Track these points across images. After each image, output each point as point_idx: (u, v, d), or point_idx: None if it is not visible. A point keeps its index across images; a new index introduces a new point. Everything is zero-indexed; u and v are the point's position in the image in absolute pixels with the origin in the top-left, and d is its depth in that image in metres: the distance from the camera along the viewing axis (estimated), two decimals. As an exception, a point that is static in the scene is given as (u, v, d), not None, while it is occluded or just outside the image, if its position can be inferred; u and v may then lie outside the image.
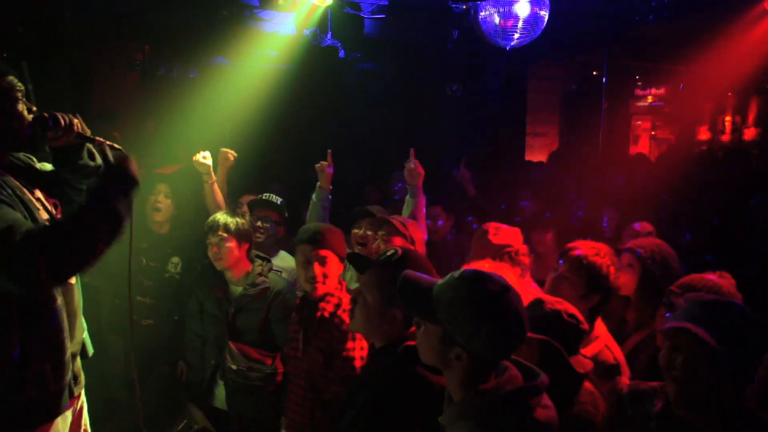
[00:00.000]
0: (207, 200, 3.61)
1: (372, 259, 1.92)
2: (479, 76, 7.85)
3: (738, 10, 6.20)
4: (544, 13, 4.47)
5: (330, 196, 3.48)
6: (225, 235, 3.03)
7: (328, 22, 5.47)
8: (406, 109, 7.66)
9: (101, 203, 1.89)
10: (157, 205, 3.71)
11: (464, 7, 5.22)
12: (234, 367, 3.00)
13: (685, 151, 8.85)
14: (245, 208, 3.73)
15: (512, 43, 4.59)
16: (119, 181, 1.95)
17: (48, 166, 2.18)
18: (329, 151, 3.49)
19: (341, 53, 5.77)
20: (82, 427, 2.24)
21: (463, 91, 7.08)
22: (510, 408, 1.45)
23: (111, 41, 5.74)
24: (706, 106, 10.11)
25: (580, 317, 1.97)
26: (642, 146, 11.52)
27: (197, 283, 3.34)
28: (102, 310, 3.59)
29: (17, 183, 1.96)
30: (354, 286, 3.06)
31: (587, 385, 1.95)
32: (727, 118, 9.89)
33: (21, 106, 1.96)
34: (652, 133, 11.69)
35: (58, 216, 2.12)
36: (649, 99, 11.12)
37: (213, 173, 3.59)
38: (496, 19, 4.51)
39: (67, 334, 1.99)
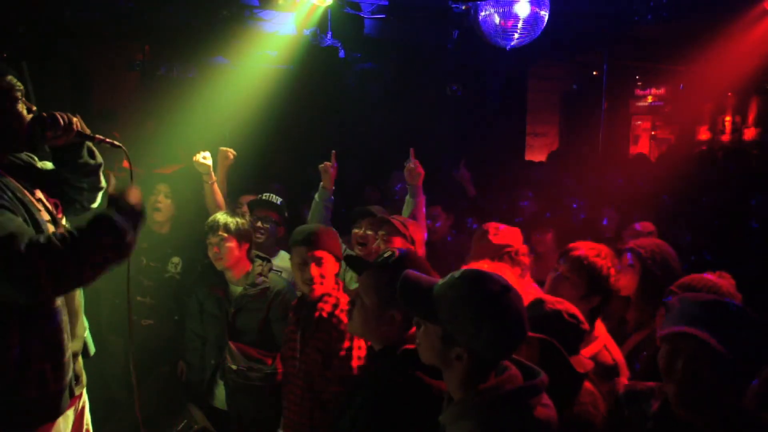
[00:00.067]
0: (207, 200, 3.61)
1: (369, 261, 1.92)
2: (479, 76, 7.85)
3: (738, 10, 6.19)
4: (544, 13, 4.47)
5: (332, 197, 3.47)
6: (225, 235, 3.03)
7: (328, 22, 5.47)
8: (406, 109, 7.65)
9: (108, 230, 1.88)
10: (157, 205, 3.71)
11: (464, 7, 5.22)
12: (234, 367, 3.00)
13: (685, 151, 8.85)
14: (245, 208, 3.73)
15: (512, 43, 4.59)
16: (126, 215, 1.92)
17: (49, 165, 2.18)
18: (333, 151, 3.48)
19: (341, 53, 5.77)
20: (84, 427, 2.24)
21: (463, 91, 7.08)
22: (510, 407, 1.45)
23: (111, 41, 5.74)
24: (706, 106, 10.11)
25: (581, 317, 1.97)
26: (642, 146, 11.52)
27: (197, 283, 3.34)
28: (102, 310, 3.59)
29: (18, 185, 1.96)
30: (354, 286, 3.06)
31: (588, 385, 1.95)
32: (727, 118, 9.89)
33: (21, 106, 1.96)
34: (652, 133, 11.69)
35: (59, 216, 2.12)
36: (649, 99, 11.12)
37: (213, 173, 3.59)
38: (496, 19, 4.51)
39: (66, 334, 1.99)
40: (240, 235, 3.07)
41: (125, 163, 2.21)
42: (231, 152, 3.83)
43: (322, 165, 3.46)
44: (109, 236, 1.86)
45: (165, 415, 3.21)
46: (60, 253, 1.77)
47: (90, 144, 2.14)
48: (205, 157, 3.53)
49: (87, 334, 2.25)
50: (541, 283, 2.82)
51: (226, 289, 3.15)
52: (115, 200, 1.95)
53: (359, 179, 5.86)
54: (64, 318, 2.00)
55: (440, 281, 1.55)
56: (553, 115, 10.22)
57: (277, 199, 3.67)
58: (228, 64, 6.23)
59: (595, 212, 4.85)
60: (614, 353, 2.30)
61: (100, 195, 2.30)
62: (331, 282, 2.59)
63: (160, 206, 3.71)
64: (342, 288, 2.63)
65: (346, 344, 2.38)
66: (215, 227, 3.05)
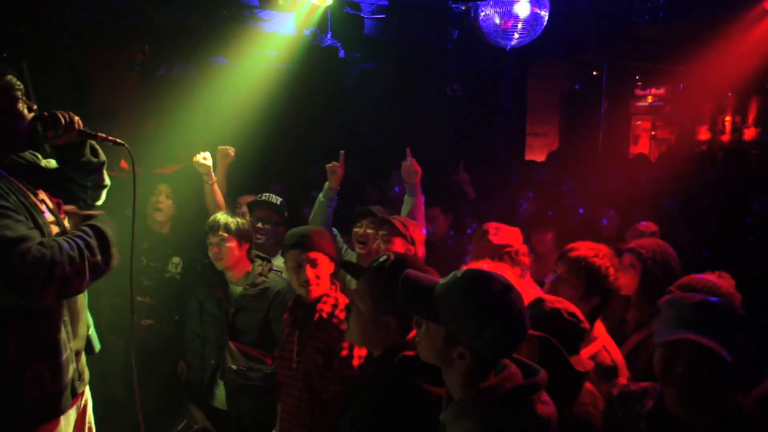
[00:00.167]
0: (207, 200, 3.60)
1: (364, 267, 1.91)
2: (479, 76, 7.85)
3: (738, 10, 6.20)
4: (544, 13, 4.47)
5: (336, 198, 3.46)
6: (225, 234, 3.03)
7: (328, 22, 5.47)
8: (406, 109, 7.66)
9: (101, 237, 2.00)
10: (158, 205, 3.71)
11: (464, 7, 5.23)
12: (234, 367, 3.00)
13: (685, 151, 8.85)
14: (244, 209, 3.73)
15: (512, 43, 4.59)
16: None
17: (54, 163, 2.18)
18: (342, 152, 3.47)
19: (341, 53, 5.77)
20: (86, 425, 2.24)
21: (463, 91, 7.09)
22: (511, 405, 1.46)
23: (111, 41, 5.74)
24: (706, 106, 10.12)
25: (581, 316, 1.97)
26: (642, 146, 11.53)
27: (197, 283, 3.34)
28: (102, 310, 3.59)
29: (21, 186, 1.96)
30: (354, 286, 3.06)
31: (588, 385, 1.95)
32: (727, 118, 9.90)
33: (21, 105, 1.96)
34: (652, 133, 11.70)
35: (62, 215, 2.13)
36: (649, 99, 11.13)
37: (213, 174, 3.59)
38: (496, 19, 4.51)
39: (63, 334, 1.99)
40: (240, 235, 3.07)
41: (123, 163, 2.23)
42: (231, 150, 3.82)
43: (330, 165, 3.43)
44: (102, 244, 1.94)
45: (165, 415, 3.21)
46: (66, 259, 1.79)
47: (93, 142, 2.15)
48: (205, 158, 3.53)
49: (92, 331, 2.26)
50: (541, 283, 2.83)
51: (226, 289, 3.15)
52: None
53: (359, 179, 5.86)
54: (64, 318, 2.00)
55: (441, 281, 1.55)
56: (553, 115, 10.23)
57: (277, 200, 3.66)
58: (228, 64, 6.23)
59: (595, 212, 4.85)
60: (613, 354, 2.30)
61: (104, 192, 2.31)
62: (327, 282, 2.59)
63: (161, 206, 3.71)
64: (339, 288, 2.63)
65: (347, 344, 2.38)
66: (215, 227, 3.05)
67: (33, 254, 1.77)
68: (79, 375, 2.09)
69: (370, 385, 1.82)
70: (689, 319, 1.66)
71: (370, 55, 6.95)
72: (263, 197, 3.66)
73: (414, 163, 3.40)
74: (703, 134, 10.30)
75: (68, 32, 4.85)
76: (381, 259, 1.86)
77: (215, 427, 3.07)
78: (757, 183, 5.27)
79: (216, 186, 3.60)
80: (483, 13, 4.60)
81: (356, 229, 3.43)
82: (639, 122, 11.62)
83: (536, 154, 9.43)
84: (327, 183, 3.41)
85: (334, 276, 2.66)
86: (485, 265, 2.38)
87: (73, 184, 2.17)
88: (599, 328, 2.36)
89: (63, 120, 1.99)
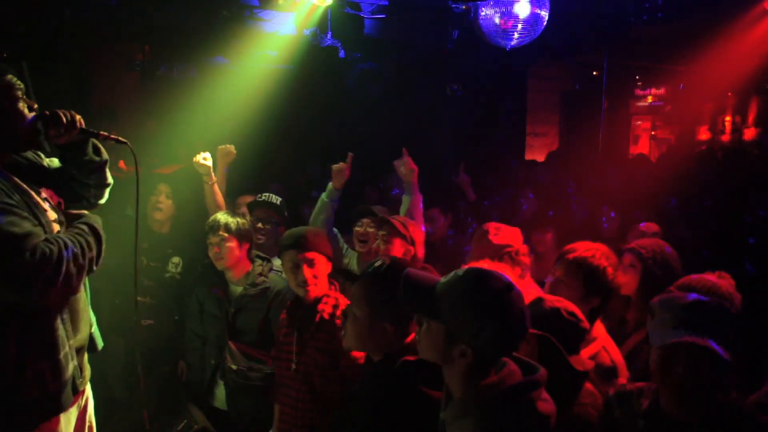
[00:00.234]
0: (207, 201, 3.61)
1: (357, 274, 1.91)
2: (479, 76, 7.85)
3: (738, 10, 6.20)
4: (544, 13, 4.47)
5: (338, 198, 3.45)
6: (226, 234, 3.03)
7: (328, 22, 5.47)
8: (406, 109, 7.65)
9: (96, 234, 2.03)
10: (158, 205, 3.71)
11: (464, 7, 5.23)
12: (234, 367, 3.00)
13: (685, 151, 8.85)
14: (243, 209, 3.73)
15: (512, 43, 4.59)
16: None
17: (56, 162, 2.19)
18: (350, 154, 3.46)
19: (341, 53, 5.76)
20: (87, 423, 2.24)
21: (463, 91, 7.08)
22: (512, 402, 1.47)
23: (111, 41, 5.74)
24: (706, 106, 10.12)
25: (581, 316, 1.97)
26: (642, 146, 11.53)
27: (197, 282, 3.34)
28: (102, 310, 3.59)
29: (23, 186, 1.97)
30: None
31: (588, 386, 1.96)
32: (727, 118, 9.90)
33: (22, 105, 1.97)
34: (652, 133, 11.70)
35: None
36: (649, 99, 11.13)
37: (213, 174, 3.59)
38: (496, 19, 4.51)
39: (62, 332, 1.99)
40: (240, 235, 3.07)
41: (121, 164, 2.24)
42: (232, 148, 3.83)
43: (338, 166, 3.41)
44: (97, 241, 1.97)
45: (165, 415, 3.21)
46: (71, 257, 1.80)
47: (95, 141, 2.15)
48: (205, 158, 3.53)
49: (95, 329, 2.26)
50: (541, 284, 2.83)
51: (226, 289, 3.15)
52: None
53: (359, 179, 5.85)
54: (64, 317, 2.01)
55: (442, 279, 1.56)
56: (553, 115, 10.22)
57: (277, 199, 3.67)
58: (228, 64, 6.23)
59: (595, 212, 4.85)
60: (613, 354, 2.30)
61: (107, 191, 2.31)
62: (325, 282, 2.59)
63: (161, 206, 3.71)
64: (338, 288, 2.63)
65: None
66: (216, 227, 3.05)
67: (41, 250, 1.78)
68: (80, 372, 2.10)
69: (371, 390, 1.82)
70: (685, 320, 1.66)
71: (370, 55, 6.94)
72: (263, 197, 3.66)
73: (410, 161, 3.40)
74: (703, 134, 10.30)
75: (68, 32, 4.85)
76: (376, 264, 1.86)
77: (215, 427, 3.07)
78: (757, 183, 5.27)
79: (216, 186, 3.60)
80: (483, 13, 4.60)
81: (357, 228, 3.43)
82: (639, 122, 11.62)
83: (536, 154, 9.42)
84: (331, 183, 3.40)
85: (333, 276, 2.66)
86: (485, 265, 2.38)
87: (76, 183, 2.18)
88: (599, 328, 2.36)
89: (64, 119, 2.00)
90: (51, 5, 4.58)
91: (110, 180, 2.29)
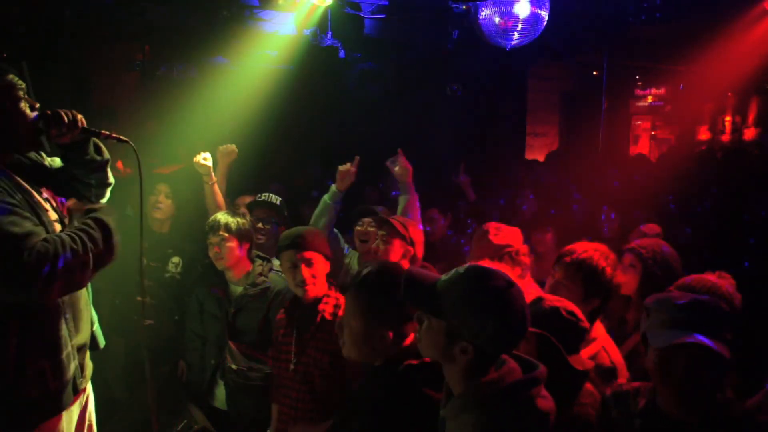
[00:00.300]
0: (207, 201, 3.60)
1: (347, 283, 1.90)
2: (479, 76, 7.85)
3: (738, 10, 6.20)
4: (544, 13, 4.47)
5: (340, 200, 3.44)
6: (226, 234, 3.03)
7: (328, 22, 5.46)
8: (406, 109, 7.65)
9: (104, 230, 1.99)
10: (157, 205, 3.71)
11: (464, 7, 5.22)
12: (234, 366, 3.00)
13: (685, 151, 8.85)
14: (243, 210, 3.73)
15: (512, 43, 4.59)
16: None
17: (58, 162, 2.19)
18: (357, 157, 3.45)
19: (341, 53, 5.76)
20: (87, 421, 2.24)
21: (463, 91, 7.08)
22: (512, 399, 1.48)
23: (111, 41, 5.73)
24: (706, 106, 10.12)
25: (580, 315, 1.97)
26: (642, 146, 11.54)
27: (197, 282, 3.34)
28: (102, 310, 3.59)
29: (25, 185, 1.97)
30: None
31: (588, 386, 1.96)
32: (727, 118, 9.90)
33: (24, 105, 1.97)
34: (652, 133, 11.71)
35: (65, 213, 2.14)
36: (649, 99, 11.14)
37: (213, 174, 3.59)
38: (496, 19, 4.51)
39: (65, 331, 2.00)
40: (241, 235, 3.07)
41: (119, 164, 2.24)
42: (233, 148, 3.82)
43: (345, 168, 3.39)
44: (107, 238, 1.94)
45: (165, 415, 3.21)
46: (71, 255, 1.80)
47: (97, 140, 2.16)
48: (205, 158, 3.53)
49: (96, 327, 2.27)
50: (541, 284, 2.82)
51: (226, 289, 3.15)
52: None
53: (359, 179, 5.84)
54: (66, 316, 2.01)
55: (443, 277, 1.57)
56: (553, 115, 10.22)
57: (277, 199, 3.66)
58: (228, 64, 6.22)
59: (595, 212, 4.85)
60: (612, 355, 2.30)
61: (108, 190, 2.32)
62: (324, 281, 2.58)
63: (161, 206, 3.71)
64: (338, 287, 2.63)
65: None
66: (216, 227, 3.05)
67: (38, 250, 1.78)
68: (81, 371, 2.10)
69: (373, 392, 1.81)
70: (684, 320, 1.66)
71: (370, 55, 6.94)
72: (263, 197, 3.66)
73: (403, 160, 3.40)
74: (703, 134, 10.31)
75: (68, 32, 4.85)
76: (363, 273, 1.85)
77: (215, 427, 3.07)
78: (757, 183, 5.27)
79: (216, 186, 3.60)
80: (483, 13, 4.60)
81: (358, 228, 3.43)
82: (639, 122, 11.63)
83: (536, 154, 9.42)
84: (334, 185, 3.38)
85: (332, 276, 2.66)
86: (485, 264, 2.38)
87: (78, 183, 2.19)
88: (599, 328, 2.36)
89: (66, 118, 2.00)
90: (51, 5, 4.58)
91: (112, 179, 2.30)
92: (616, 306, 2.65)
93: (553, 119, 10.22)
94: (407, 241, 2.97)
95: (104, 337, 2.35)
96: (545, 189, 5.81)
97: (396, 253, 2.92)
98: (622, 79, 9.67)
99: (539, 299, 2.00)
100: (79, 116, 2.06)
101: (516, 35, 4.51)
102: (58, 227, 2.01)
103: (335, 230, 3.47)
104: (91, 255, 1.91)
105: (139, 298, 3.53)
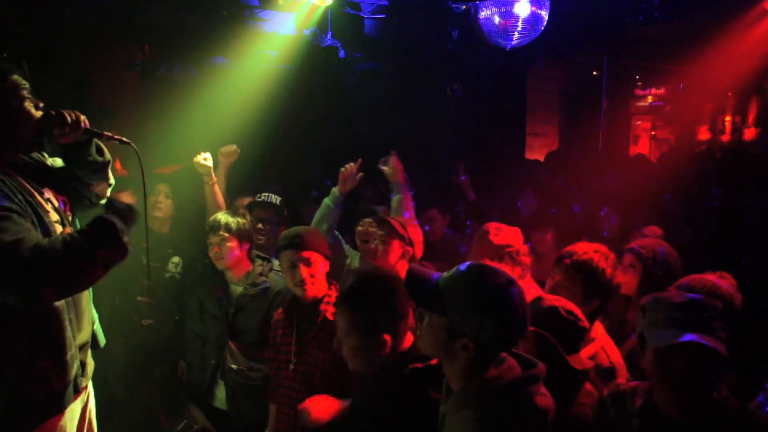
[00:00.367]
0: (207, 201, 3.61)
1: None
2: (479, 76, 7.84)
3: (738, 10, 6.19)
4: (544, 13, 4.47)
5: (341, 203, 3.43)
6: (226, 234, 3.03)
7: (328, 22, 5.46)
8: (406, 109, 7.64)
9: (109, 232, 1.93)
10: (157, 205, 3.71)
11: (464, 7, 5.22)
12: (234, 366, 3.00)
13: (685, 151, 8.85)
14: (243, 210, 3.72)
15: (512, 43, 4.59)
16: (123, 215, 1.99)
17: (59, 162, 2.20)
18: (359, 159, 3.45)
19: (341, 53, 5.76)
20: (87, 418, 2.25)
21: (463, 91, 7.08)
22: (511, 395, 1.49)
23: (111, 41, 5.73)
24: (706, 106, 10.12)
25: (580, 314, 1.97)
26: (642, 146, 11.53)
27: (198, 282, 3.34)
28: (102, 310, 3.59)
29: (27, 185, 1.98)
30: (356, 264, 3.09)
31: (587, 386, 1.96)
32: (727, 118, 9.89)
33: (28, 104, 1.98)
34: (652, 133, 11.70)
35: (67, 213, 2.14)
36: (649, 99, 11.13)
37: (213, 174, 3.59)
38: (496, 19, 4.51)
39: (69, 332, 2.00)
40: (241, 234, 3.07)
41: (117, 164, 2.24)
42: (236, 148, 3.83)
43: (348, 171, 3.36)
44: (111, 238, 1.91)
45: (165, 415, 3.21)
46: (63, 259, 1.79)
47: (98, 141, 2.17)
48: (206, 158, 3.53)
49: (97, 326, 2.27)
50: (541, 284, 2.83)
51: (226, 289, 3.15)
52: (112, 202, 2.01)
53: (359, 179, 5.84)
54: (69, 316, 2.01)
55: (445, 274, 1.59)
56: (553, 115, 10.22)
57: (276, 199, 3.66)
58: (228, 64, 6.22)
59: (595, 212, 4.85)
60: (611, 355, 2.30)
61: (109, 191, 2.32)
62: (323, 281, 2.59)
63: (161, 206, 3.72)
64: (338, 287, 2.63)
65: None
66: (216, 227, 3.05)
67: (27, 257, 1.75)
68: (82, 370, 2.11)
69: (378, 399, 1.81)
70: (680, 319, 1.66)
71: (370, 55, 6.94)
72: (262, 197, 3.65)
73: (394, 160, 3.39)
74: (703, 134, 10.30)
75: (68, 32, 4.85)
76: (345, 289, 1.87)
77: (215, 427, 3.08)
78: (757, 183, 5.27)
79: (216, 186, 3.61)
80: (483, 13, 4.59)
81: (359, 228, 3.43)
82: (639, 122, 11.62)
83: (536, 154, 9.41)
84: (335, 188, 3.37)
85: (332, 276, 2.66)
86: (485, 264, 2.38)
87: (78, 183, 2.19)
88: (598, 328, 2.36)
89: (69, 118, 2.01)
90: (51, 5, 4.58)
91: (112, 180, 2.30)
92: (616, 306, 2.65)
93: (553, 119, 10.21)
94: (406, 241, 2.97)
95: (104, 337, 2.35)
96: (545, 189, 5.80)
97: (395, 253, 2.92)
98: (622, 79, 9.67)
99: (538, 298, 2.00)
100: (82, 117, 2.06)
101: (516, 35, 4.51)
102: (59, 228, 2.02)
103: (336, 233, 3.47)
104: (94, 258, 1.88)
105: (139, 298, 3.57)
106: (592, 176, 6.39)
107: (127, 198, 2.05)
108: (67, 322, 1.99)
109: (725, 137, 9.86)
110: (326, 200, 3.36)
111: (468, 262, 1.60)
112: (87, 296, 2.19)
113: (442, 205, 4.55)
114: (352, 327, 1.82)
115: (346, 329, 1.83)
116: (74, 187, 2.20)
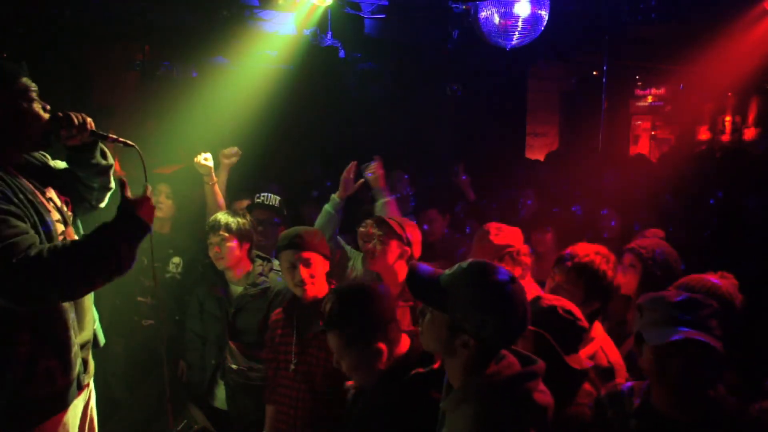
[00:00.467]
0: (207, 201, 3.61)
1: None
2: (479, 76, 7.84)
3: (738, 10, 6.19)
4: (544, 13, 4.47)
5: (341, 209, 3.43)
6: (226, 234, 3.03)
7: (328, 22, 5.46)
8: (406, 109, 7.64)
9: (109, 242, 1.92)
10: (158, 205, 3.71)
11: (464, 7, 5.22)
12: (234, 366, 3.01)
13: (685, 151, 8.85)
14: (243, 211, 3.72)
15: (512, 43, 4.59)
16: (131, 228, 1.98)
17: (61, 164, 2.21)
18: (353, 162, 3.44)
19: (341, 53, 5.76)
20: (89, 416, 2.26)
21: (463, 91, 7.08)
22: (510, 391, 1.51)
23: (111, 41, 5.73)
24: (706, 106, 10.12)
25: (579, 314, 1.97)
26: (642, 146, 11.53)
27: (198, 282, 3.34)
28: (102, 310, 3.59)
29: (29, 185, 1.98)
30: (359, 265, 3.15)
31: (586, 386, 1.96)
32: (727, 118, 9.89)
33: (37, 105, 1.98)
34: (652, 133, 11.70)
35: (69, 213, 2.14)
36: (649, 99, 11.13)
37: (214, 174, 3.59)
38: (496, 19, 4.51)
39: (72, 332, 2.02)
40: (241, 234, 3.07)
41: (116, 166, 2.24)
42: (236, 150, 3.83)
43: (348, 177, 3.35)
44: (113, 247, 1.91)
45: (165, 415, 3.20)
46: (61, 264, 1.79)
47: (102, 144, 2.18)
48: (206, 159, 3.53)
49: (97, 325, 2.28)
50: (541, 284, 2.83)
51: (226, 289, 3.15)
52: (129, 208, 1.98)
53: (358, 179, 5.84)
54: (71, 315, 2.02)
55: (447, 271, 1.60)
56: (553, 115, 10.21)
57: (276, 200, 3.67)
58: (228, 64, 6.22)
59: (595, 212, 4.85)
60: (611, 355, 2.30)
61: (108, 195, 2.33)
62: (323, 281, 2.59)
63: (161, 206, 3.72)
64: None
65: None
66: (216, 227, 3.05)
67: (17, 261, 1.74)
68: (85, 368, 2.12)
69: (377, 398, 1.82)
70: (678, 318, 1.66)
71: (370, 55, 6.93)
72: (261, 198, 3.65)
73: (377, 167, 3.39)
74: (703, 134, 10.30)
75: (68, 32, 4.85)
76: (328, 307, 1.89)
77: (215, 427, 3.07)
78: (757, 183, 5.26)
79: (216, 186, 3.61)
80: (483, 13, 4.59)
81: (360, 229, 3.42)
82: (639, 122, 11.62)
83: (536, 154, 9.41)
84: (335, 194, 3.35)
85: (332, 276, 2.66)
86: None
87: (80, 185, 2.20)
88: (597, 328, 2.36)
89: (76, 120, 2.02)
90: (51, 5, 4.58)
91: (113, 184, 2.30)
92: (616, 306, 2.65)
93: (553, 119, 10.21)
94: (404, 241, 2.97)
95: (104, 336, 2.36)
96: (545, 189, 5.80)
97: (393, 253, 2.92)
98: (622, 79, 9.66)
99: (537, 298, 2.00)
100: (89, 119, 2.08)
101: (516, 35, 4.51)
102: (60, 228, 2.02)
103: (338, 237, 3.46)
104: (98, 264, 1.88)
105: (139, 298, 3.57)
106: (592, 176, 6.39)
107: (147, 209, 2.04)
108: (70, 322, 2.00)
109: (725, 137, 9.86)
110: (326, 207, 3.34)
111: (470, 260, 1.61)
112: (89, 296, 2.19)
113: (441, 205, 4.55)
114: (345, 345, 1.86)
115: (341, 348, 1.88)
116: (76, 188, 2.20)
